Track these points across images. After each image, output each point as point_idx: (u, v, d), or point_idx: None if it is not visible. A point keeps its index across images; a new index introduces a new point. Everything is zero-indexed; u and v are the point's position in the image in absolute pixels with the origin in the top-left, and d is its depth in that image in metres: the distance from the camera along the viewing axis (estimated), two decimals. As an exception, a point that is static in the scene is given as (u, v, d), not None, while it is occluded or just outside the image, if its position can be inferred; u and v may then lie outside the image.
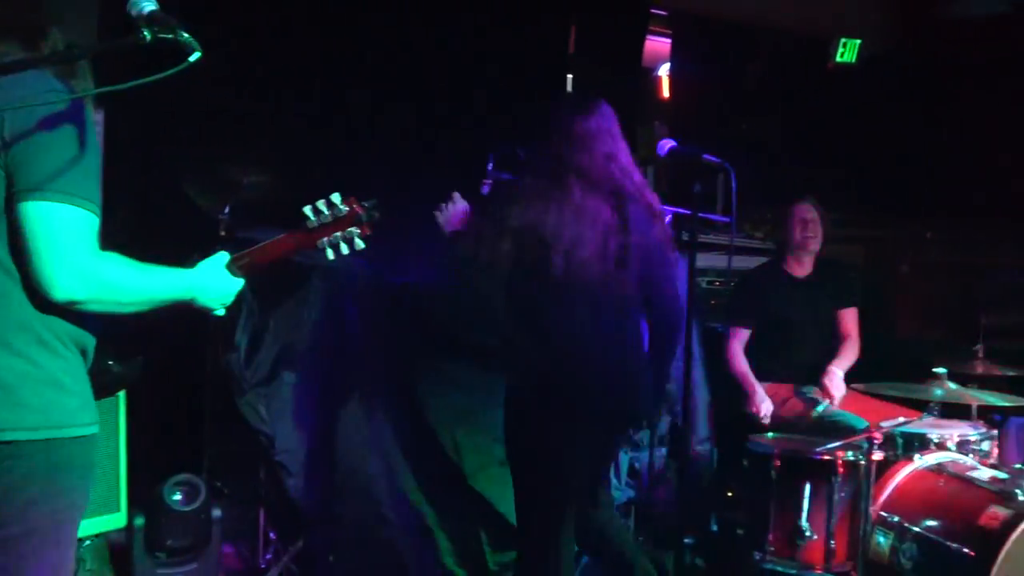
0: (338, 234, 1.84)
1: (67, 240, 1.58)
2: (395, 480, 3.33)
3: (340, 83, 4.13)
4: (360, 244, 1.85)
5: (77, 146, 1.59)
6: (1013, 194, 6.44)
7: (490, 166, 3.01)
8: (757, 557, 3.28)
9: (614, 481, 3.83)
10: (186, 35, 1.48)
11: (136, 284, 1.70)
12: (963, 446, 3.35)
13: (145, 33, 1.47)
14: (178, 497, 3.06)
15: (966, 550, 2.87)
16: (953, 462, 3.25)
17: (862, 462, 3.17)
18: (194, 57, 1.47)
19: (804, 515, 3.20)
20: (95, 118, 3.31)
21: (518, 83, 4.66)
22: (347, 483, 3.24)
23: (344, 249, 1.85)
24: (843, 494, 3.20)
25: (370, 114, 4.14)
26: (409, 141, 4.23)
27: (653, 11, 5.36)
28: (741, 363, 3.92)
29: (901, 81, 6.55)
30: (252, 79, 3.79)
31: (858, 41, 6.04)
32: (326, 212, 1.83)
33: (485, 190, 2.85)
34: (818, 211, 4.01)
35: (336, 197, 1.84)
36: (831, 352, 3.95)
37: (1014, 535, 2.78)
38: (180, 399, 3.49)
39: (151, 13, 1.49)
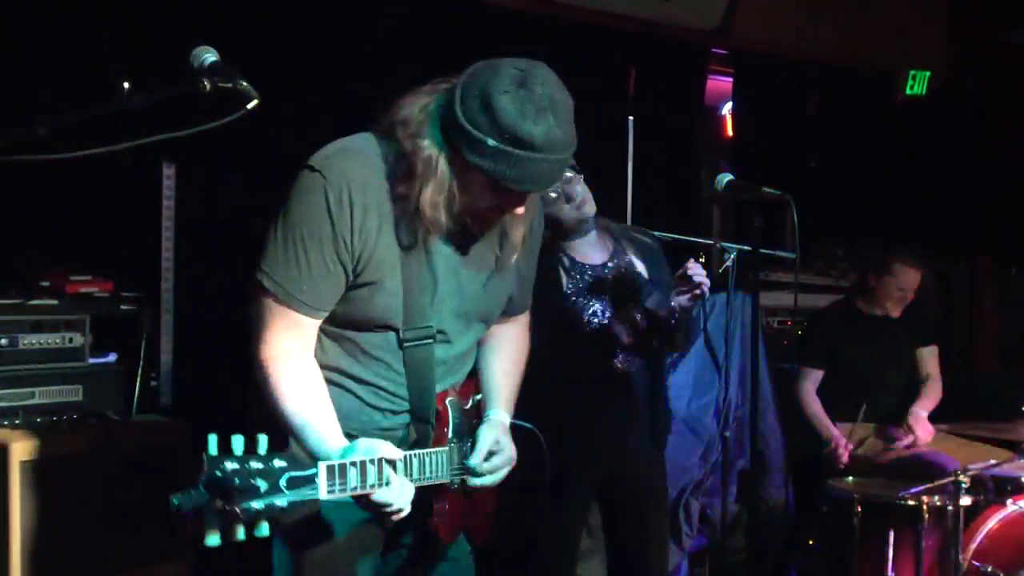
0: None
1: None
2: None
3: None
4: None
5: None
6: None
7: None
8: (840, 608, 3.14)
9: (685, 528, 3.72)
10: (244, 83, 1.52)
11: None
12: (1059, 490, 3.18)
13: (205, 83, 1.52)
14: None
15: (1068, 601, 2.70)
16: (1049, 507, 3.08)
17: (950, 507, 3.01)
18: (252, 104, 1.50)
19: (889, 564, 3.06)
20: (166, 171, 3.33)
21: (579, 126, 4.65)
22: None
23: None
24: (930, 542, 3.04)
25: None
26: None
27: (714, 50, 5.34)
28: (815, 405, 3.78)
29: (964, 113, 6.38)
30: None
31: (927, 73, 5.92)
32: None
33: None
34: (921, 277, 3.76)
35: None
36: (909, 393, 3.79)
37: (1120, 585, 2.61)
38: None
39: (212, 64, 1.53)
